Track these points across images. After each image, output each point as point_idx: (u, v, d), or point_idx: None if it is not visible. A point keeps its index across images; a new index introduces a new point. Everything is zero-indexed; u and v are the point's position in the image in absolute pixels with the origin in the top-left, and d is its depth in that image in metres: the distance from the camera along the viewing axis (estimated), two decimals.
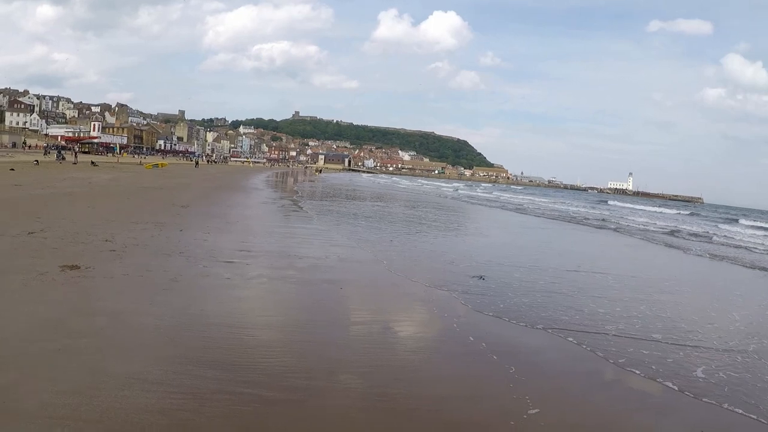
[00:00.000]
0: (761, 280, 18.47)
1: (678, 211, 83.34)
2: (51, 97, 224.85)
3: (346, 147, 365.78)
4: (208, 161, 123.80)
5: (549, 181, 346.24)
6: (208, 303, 8.73)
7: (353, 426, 5.22)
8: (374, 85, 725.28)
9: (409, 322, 9.17)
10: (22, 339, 6.39)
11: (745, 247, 30.20)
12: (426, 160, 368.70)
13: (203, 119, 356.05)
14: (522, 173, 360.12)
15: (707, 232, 41.29)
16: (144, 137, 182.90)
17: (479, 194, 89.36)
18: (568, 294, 12.03)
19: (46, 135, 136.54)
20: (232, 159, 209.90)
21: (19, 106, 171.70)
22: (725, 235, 39.50)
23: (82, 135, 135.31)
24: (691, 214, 77.29)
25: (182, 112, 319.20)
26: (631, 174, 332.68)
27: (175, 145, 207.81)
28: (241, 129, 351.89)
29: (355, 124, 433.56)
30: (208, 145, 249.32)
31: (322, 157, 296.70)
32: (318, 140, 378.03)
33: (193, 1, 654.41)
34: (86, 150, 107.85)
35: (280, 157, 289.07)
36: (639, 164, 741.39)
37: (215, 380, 5.77)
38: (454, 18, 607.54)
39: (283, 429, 5.02)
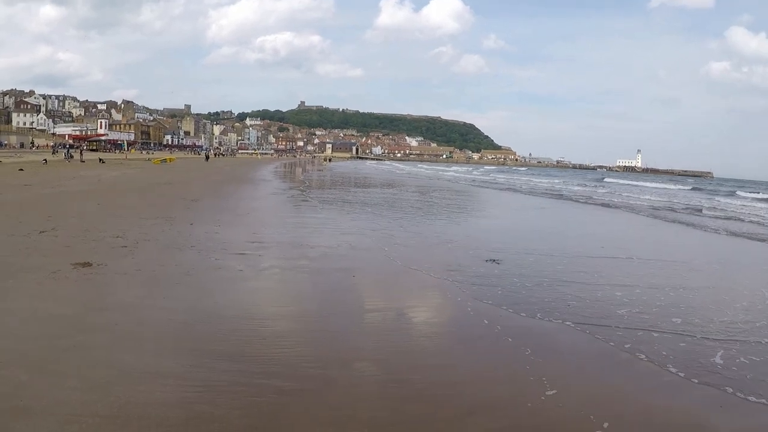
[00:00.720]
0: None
1: (680, 187, 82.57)
2: (57, 97, 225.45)
3: (353, 135, 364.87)
4: (215, 154, 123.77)
5: (557, 162, 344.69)
6: (222, 295, 8.73)
7: (371, 413, 5.19)
8: (378, 72, 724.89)
9: (423, 307, 9.14)
10: (37, 337, 6.41)
11: (736, 218, 30.34)
12: (433, 145, 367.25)
13: (209, 113, 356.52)
14: (530, 155, 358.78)
15: (701, 205, 41.31)
16: (151, 133, 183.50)
17: (481, 177, 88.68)
18: (578, 273, 11.98)
19: (54, 134, 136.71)
20: (240, 151, 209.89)
21: (25, 106, 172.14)
22: (718, 207, 39.72)
23: (89, 133, 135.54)
24: (693, 189, 75.70)
25: (188, 107, 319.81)
26: (639, 151, 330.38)
27: (182, 139, 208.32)
28: (248, 121, 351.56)
29: (361, 111, 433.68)
30: (216, 139, 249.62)
31: (330, 146, 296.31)
32: (325, 129, 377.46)
33: None
34: (94, 148, 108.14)
35: (288, 147, 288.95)
36: (647, 141, 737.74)
37: (230, 372, 5.77)
38: (455, 2, 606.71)
39: (300, 419, 5.00)
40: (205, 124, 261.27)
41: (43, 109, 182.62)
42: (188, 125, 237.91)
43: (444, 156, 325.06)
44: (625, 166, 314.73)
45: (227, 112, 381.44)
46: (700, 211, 34.77)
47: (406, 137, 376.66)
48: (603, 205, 37.23)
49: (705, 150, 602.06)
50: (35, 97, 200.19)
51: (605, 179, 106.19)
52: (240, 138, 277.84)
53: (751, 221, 28.55)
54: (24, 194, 21.83)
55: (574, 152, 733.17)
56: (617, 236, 21.65)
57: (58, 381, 5.30)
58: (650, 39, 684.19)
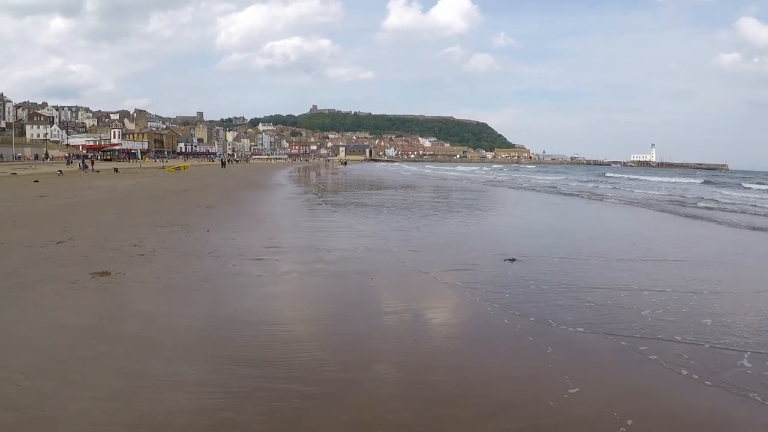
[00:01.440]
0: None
1: (689, 180, 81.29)
2: (70, 108, 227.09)
3: (366, 137, 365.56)
4: (228, 161, 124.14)
5: (572, 158, 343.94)
6: (240, 301, 8.74)
7: (393, 415, 5.16)
8: (389, 74, 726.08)
9: (442, 308, 9.09)
10: (58, 347, 6.43)
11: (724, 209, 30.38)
12: (447, 145, 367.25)
13: (222, 119, 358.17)
14: (544, 152, 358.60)
15: (701, 197, 41.23)
16: (164, 141, 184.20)
17: (485, 176, 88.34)
18: (588, 262, 11.92)
19: (68, 145, 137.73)
20: (253, 157, 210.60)
21: (38, 118, 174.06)
22: (715, 199, 39.30)
23: (102, 143, 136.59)
24: (705, 182, 74.12)
25: (200, 114, 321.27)
26: (653, 145, 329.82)
27: (195, 146, 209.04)
28: (261, 126, 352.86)
29: (373, 114, 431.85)
30: (229, 145, 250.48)
31: (343, 149, 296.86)
32: (337, 132, 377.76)
33: (202, 3, 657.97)
34: (108, 157, 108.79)
35: (301, 151, 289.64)
36: (661, 135, 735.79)
37: (252, 378, 5.75)
38: (463, 2, 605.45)
39: (322, 422, 4.97)
40: (218, 130, 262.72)
41: (56, 120, 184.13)
42: (201, 132, 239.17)
43: (458, 156, 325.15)
44: (639, 160, 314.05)
45: (240, 118, 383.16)
46: (694, 204, 34.72)
47: (419, 138, 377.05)
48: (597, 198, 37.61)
49: (719, 142, 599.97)
50: (48, 109, 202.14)
51: (606, 173, 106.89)
52: (253, 144, 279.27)
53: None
54: (40, 205, 22.00)
55: (588, 148, 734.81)
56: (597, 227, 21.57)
57: (81, 391, 5.30)
58: (660, 32, 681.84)
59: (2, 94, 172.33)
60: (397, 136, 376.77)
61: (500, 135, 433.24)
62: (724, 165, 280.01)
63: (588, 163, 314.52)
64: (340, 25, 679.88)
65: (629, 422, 5.09)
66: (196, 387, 5.50)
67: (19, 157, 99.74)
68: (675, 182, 73.95)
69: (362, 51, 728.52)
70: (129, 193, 30.14)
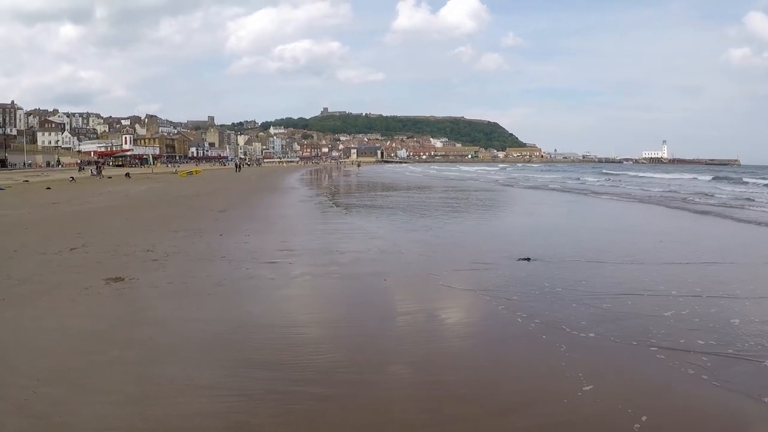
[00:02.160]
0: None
1: (693, 176, 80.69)
2: (80, 114, 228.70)
3: (377, 139, 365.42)
4: (242, 165, 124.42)
5: (583, 156, 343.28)
6: (254, 305, 8.77)
7: (409, 415, 5.15)
8: (399, 75, 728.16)
9: (456, 308, 9.06)
10: (73, 353, 6.45)
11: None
12: (458, 145, 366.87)
13: (233, 123, 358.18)
14: (555, 150, 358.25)
15: (699, 192, 41.32)
16: (176, 146, 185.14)
17: (486, 176, 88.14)
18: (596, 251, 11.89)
19: (79, 151, 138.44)
20: (265, 160, 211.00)
21: (49, 125, 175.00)
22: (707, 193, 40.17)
23: (114, 149, 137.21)
24: (714, 179, 72.11)
25: (212, 118, 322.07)
26: (665, 142, 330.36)
27: (207, 151, 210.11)
28: (272, 130, 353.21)
29: (384, 115, 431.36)
30: (240, 149, 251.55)
31: (354, 150, 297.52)
32: (349, 134, 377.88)
33: (212, 8, 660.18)
34: (120, 163, 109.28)
35: (313, 154, 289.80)
36: (672, 131, 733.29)
37: (266, 380, 5.75)
38: (471, 2, 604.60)
39: (338, 424, 4.96)
40: (229, 134, 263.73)
41: (67, 127, 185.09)
42: (212, 137, 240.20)
43: (469, 156, 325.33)
44: (651, 157, 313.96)
45: (251, 121, 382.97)
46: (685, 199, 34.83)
47: (431, 139, 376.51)
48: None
49: (731, 138, 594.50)
50: (59, 116, 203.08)
51: (603, 170, 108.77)
52: (264, 147, 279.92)
53: None
54: (52, 212, 22.13)
55: (599, 146, 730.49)
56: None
57: (96, 396, 5.31)
58: (669, 28, 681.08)
59: (13, 101, 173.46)
60: (408, 137, 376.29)
61: (511, 134, 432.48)
62: (736, 160, 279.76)
63: (600, 160, 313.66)
64: (350, 27, 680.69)
65: (643, 418, 5.07)
66: (211, 390, 5.50)
67: (30, 165, 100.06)
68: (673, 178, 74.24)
69: (372, 52, 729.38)
70: (141, 199, 30.28)
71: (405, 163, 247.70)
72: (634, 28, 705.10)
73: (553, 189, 47.96)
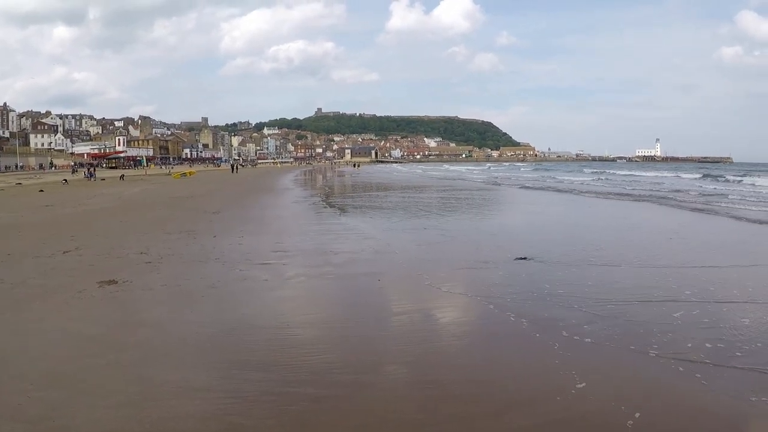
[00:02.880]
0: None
1: (676, 174, 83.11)
2: (74, 116, 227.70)
3: (371, 139, 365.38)
4: (237, 166, 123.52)
5: (577, 155, 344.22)
6: (248, 306, 8.78)
7: (405, 415, 5.16)
8: (394, 75, 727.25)
9: (450, 307, 9.08)
10: (68, 357, 6.45)
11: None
12: (452, 144, 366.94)
13: (227, 124, 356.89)
14: (549, 149, 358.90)
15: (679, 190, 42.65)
16: (170, 147, 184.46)
17: (469, 175, 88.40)
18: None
19: (72, 153, 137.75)
20: (259, 161, 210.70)
21: (42, 127, 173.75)
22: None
23: (107, 150, 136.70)
24: (704, 177, 73.52)
25: (205, 119, 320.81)
26: (658, 140, 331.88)
27: (201, 152, 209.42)
28: (266, 130, 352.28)
29: (378, 115, 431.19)
30: (234, 150, 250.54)
31: (349, 151, 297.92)
32: (343, 135, 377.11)
33: (206, 9, 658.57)
34: (113, 165, 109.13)
35: (307, 154, 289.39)
36: (666, 129, 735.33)
37: (261, 382, 5.76)
38: (465, 2, 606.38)
39: (332, 425, 4.98)
40: (223, 135, 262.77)
41: (60, 129, 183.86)
42: (206, 138, 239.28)
43: (463, 155, 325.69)
44: (644, 155, 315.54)
45: (245, 122, 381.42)
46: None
47: (425, 138, 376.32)
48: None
49: (724, 136, 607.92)
50: (52, 118, 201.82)
51: (584, 169, 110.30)
52: (258, 148, 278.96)
53: None
54: (46, 215, 22.10)
55: (593, 144, 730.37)
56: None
57: (92, 400, 5.32)
58: (662, 27, 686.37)
59: (5, 103, 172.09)
60: (402, 137, 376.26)
61: (505, 134, 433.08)
62: (729, 158, 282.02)
63: (593, 159, 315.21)
64: (344, 28, 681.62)
65: (637, 415, 5.11)
66: (206, 392, 5.51)
67: (23, 167, 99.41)
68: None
69: (366, 53, 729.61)
70: (135, 201, 30.23)
71: (394, 163, 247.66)
72: (628, 27, 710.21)
73: (529, 187, 49.00)
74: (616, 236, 17.65)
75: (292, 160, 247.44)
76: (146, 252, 12.91)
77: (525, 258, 12.46)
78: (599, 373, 6.13)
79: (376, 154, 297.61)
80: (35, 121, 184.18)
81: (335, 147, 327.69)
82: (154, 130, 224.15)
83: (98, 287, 9.60)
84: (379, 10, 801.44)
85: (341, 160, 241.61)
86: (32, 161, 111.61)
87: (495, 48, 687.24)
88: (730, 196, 34.69)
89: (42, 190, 36.94)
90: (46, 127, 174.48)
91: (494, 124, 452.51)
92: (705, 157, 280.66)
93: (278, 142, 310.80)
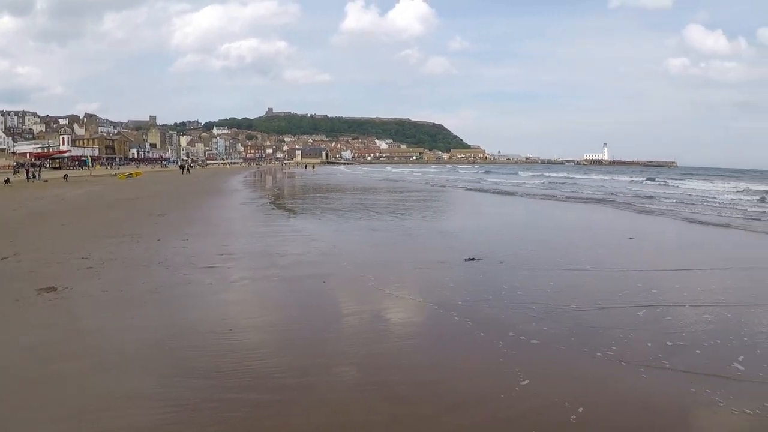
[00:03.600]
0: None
1: (610, 177, 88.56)
2: (16, 113, 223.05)
3: (322, 140, 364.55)
4: (187, 166, 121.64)
5: (526, 158, 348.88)
6: (192, 311, 8.67)
7: (349, 417, 5.19)
8: (346, 76, 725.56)
9: (396, 309, 9.08)
10: (4, 369, 6.29)
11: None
12: (403, 146, 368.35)
13: (175, 123, 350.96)
14: (499, 152, 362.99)
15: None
16: (116, 147, 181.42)
17: (409, 177, 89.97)
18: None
19: (14, 153, 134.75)
20: (208, 162, 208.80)
21: None
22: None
23: (51, 150, 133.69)
24: (647, 180, 76.93)
25: (153, 118, 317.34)
26: (605, 144, 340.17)
27: (148, 152, 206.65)
28: (215, 130, 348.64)
29: (329, 116, 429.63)
30: (183, 150, 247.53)
31: (299, 152, 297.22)
32: (293, 135, 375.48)
33: (158, 3, 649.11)
34: (57, 165, 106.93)
35: (257, 155, 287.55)
36: (614, 135, 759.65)
37: (203, 389, 5.70)
38: (419, 5, 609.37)
39: (277, 430, 4.97)
40: (171, 135, 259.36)
41: (1, 126, 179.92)
42: (154, 137, 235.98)
43: (414, 157, 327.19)
44: (592, 159, 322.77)
45: (194, 122, 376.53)
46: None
47: (376, 140, 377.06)
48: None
49: (670, 141, 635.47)
50: None
51: (519, 172, 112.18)
52: (207, 148, 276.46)
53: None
54: None
55: (544, 148, 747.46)
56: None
57: (31, 414, 5.21)
58: (613, 37, 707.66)
59: None
60: (353, 139, 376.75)
61: (456, 136, 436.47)
62: (673, 162, 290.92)
63: (542, 162, 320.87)
64: (298, 27, 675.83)
65: (580, 410, 5.24)
66: (148, 402, 5.43)
67: None
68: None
69: (319, 53, 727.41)
70: (79, 203, 29.64)
71: (340, 165, 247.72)
72: (580, 35, 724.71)
73: (471, 189, 50.25)
74: (560, 237, 18.15)
75: (241, 160, 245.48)
76: (88, 257, 12.65)
77: (474, 259, 12.60)
78: (543, 371, 6.27)
79: (326, 155, 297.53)
80: None
81: (286, 148, 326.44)
82: (100, 128, 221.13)
83: (37, 295, 9.36)
84: (333, 10, 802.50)
85: (292, 161, 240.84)
86: None
87: (448, 52, 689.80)
88: (662, 199, 37.13)
89: None
90: None
91: (445, 126, 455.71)
92: (650, 161, 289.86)
93: (228, 143, 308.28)
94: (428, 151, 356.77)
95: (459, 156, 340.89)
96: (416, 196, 39.00)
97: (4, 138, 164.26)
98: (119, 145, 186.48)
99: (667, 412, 5.36)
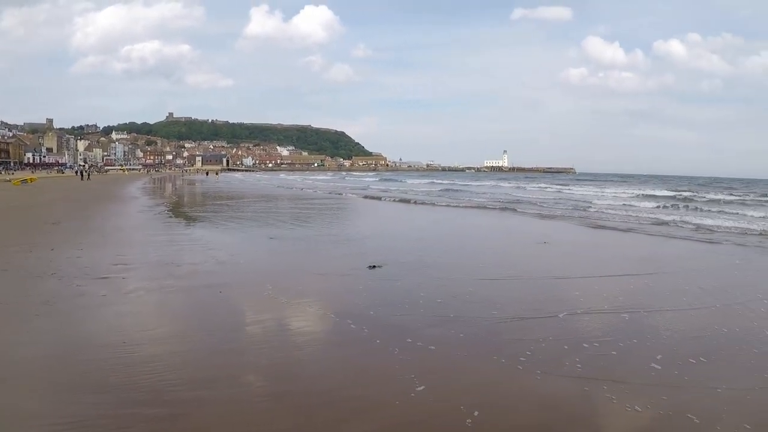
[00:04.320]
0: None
1: (495, 183, 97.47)
2: None
3: (223, 146, 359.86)
4: (85, 172, 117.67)
5: (427, 165, 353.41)
6: (84, 324, 8.49)
7: (243, 430, 5.24)
8: (249, 82, 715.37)
9: (292, 317, 9.16)
10: None
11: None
12: (305, 153, 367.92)
13: (73, 127, 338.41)
14: (401, 159, 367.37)
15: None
16: (11, 151, 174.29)
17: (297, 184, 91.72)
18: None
19: None
20: (107, 168, 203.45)
21: None
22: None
23: None
24: (519, 188, 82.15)
25: (50, 121, 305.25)
26: (505, 152, 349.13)
27: (44, 157, 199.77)
28: (114, 135, 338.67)
29: (231, 122, 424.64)
30: (80, 155, 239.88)
31: (200, 158, 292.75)
32: (194, 141, 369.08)
33: (61, 1, 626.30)
34: None
35: (157, 161, 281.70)
36: (514, 142, 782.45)
37: (95, 405, 5.61)
38: (324, 12, 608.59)
39: None
40: (68, 139, 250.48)
41: None
42: (51, 141, 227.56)
43: (315, 164, 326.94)
44: (492, 166, 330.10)
45: (92, 125, 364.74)
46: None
47: (277, 147, 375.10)
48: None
49: (569, 148, 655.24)
50: None
51: (412, 180, 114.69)
52: (106, 153, 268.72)
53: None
54: None
55: (445, 155, 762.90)
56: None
57: None
58: (514, 47, 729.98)
59: None
60: (254, 145, 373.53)
61: (358, 143, 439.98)
62: (572, 169, 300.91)
63: (444, 169, 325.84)
64: (202, 30, 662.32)
65: (475, 413, 5.46)
66: (39, 420, 5.33)
67: None
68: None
69: (223, 58, 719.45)
70: None
71: (236, 172, 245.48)
72: (483, 45, 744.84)
73: (369, 197, 50.64)
74: (458, 243, 18.71)
75: (140, 167, 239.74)
76: None
77: (375, 266, 12.79)
78: (439, 377, 6.47)
79: (227, 161, 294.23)
80: None
81: (186, 154, 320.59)
82: None
83: None
84: (238, 14, 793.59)
85: (192, 168, 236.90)
86: None
87: (351, 59, 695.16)
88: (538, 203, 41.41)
89: None
90: None
91: (347, 134, 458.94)
92: (549, 168, 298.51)
93: (127, 148, 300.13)
94: (330, 159, 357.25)
95: (360, 163, 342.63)
96: (317, 204, 38.95)
97: None
98: (14, 149, 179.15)
99: (563, 410, 5.67)
